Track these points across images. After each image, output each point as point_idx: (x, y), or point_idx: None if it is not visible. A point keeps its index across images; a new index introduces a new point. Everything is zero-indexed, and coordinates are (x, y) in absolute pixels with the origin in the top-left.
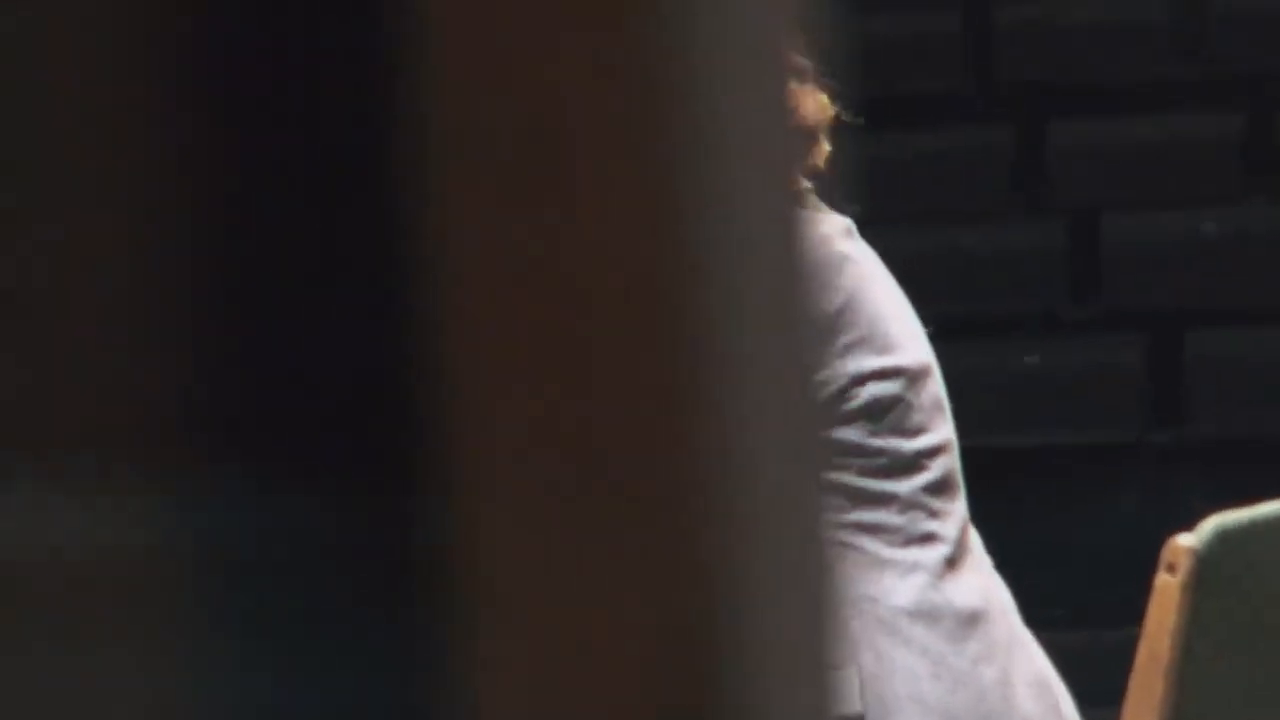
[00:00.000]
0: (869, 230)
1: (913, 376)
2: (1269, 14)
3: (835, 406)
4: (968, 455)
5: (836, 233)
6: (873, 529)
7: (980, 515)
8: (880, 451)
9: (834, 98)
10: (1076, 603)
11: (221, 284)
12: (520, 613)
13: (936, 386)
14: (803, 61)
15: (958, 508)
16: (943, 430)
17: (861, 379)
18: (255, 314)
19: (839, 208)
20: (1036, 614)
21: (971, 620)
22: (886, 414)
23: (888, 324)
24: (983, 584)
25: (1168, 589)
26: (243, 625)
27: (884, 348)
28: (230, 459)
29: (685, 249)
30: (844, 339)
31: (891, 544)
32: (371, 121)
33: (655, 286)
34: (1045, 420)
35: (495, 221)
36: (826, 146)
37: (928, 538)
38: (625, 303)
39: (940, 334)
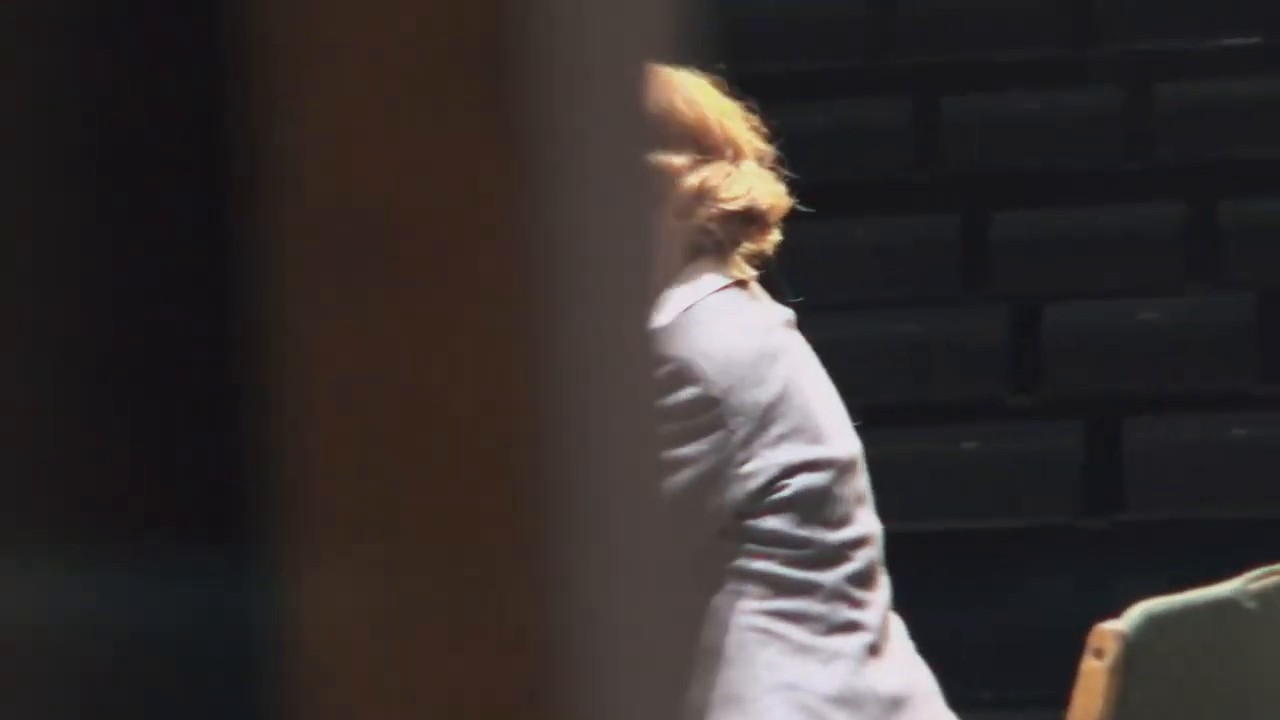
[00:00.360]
0: (814, 317)
1: (841, 468)
2: (1210, 108)
3: (764, 496)
4: (909, 538)
5: (775, 324)
6: (796, 617)
7: (917, 598)
8: (806, 542)
9: (789, 186)
10: (1008, 686)
11: (61, 366)
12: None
13: (862, 478)
14: (762, 147)
15: (880, 596)
16: (866, 522)
17: (792, 470)
18: (91, 398)
19: (781, 296)
20: (968, 696)
21: (894, 705)
22: (814, 505)
23: (819, 416)
24: (905, 669)
25: (1094, 674)
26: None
27: (815, 439)
28: (66, 535)
29: (535, 355)
30: (777, 430)
31: (814, 632)
32: (215, 212)
33: (499, 388)
34: (984, 504)
35: (335, 309)
36: (777, 234)
37: (850, 626)
38: (464, 398)
39: (883, 419)
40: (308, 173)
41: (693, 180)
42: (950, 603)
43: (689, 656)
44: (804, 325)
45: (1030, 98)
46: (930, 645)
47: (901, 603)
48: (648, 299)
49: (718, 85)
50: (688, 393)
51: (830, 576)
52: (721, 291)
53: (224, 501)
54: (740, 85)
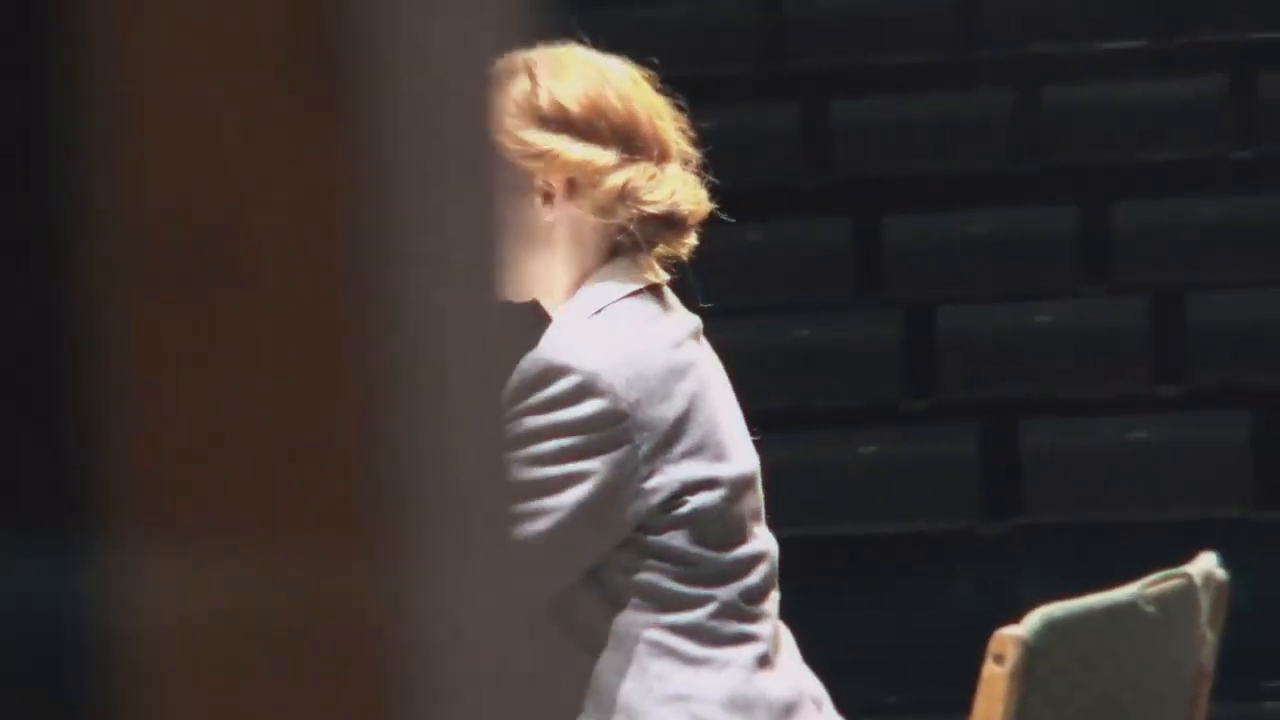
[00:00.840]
0: (708, 322)
1: (738, 486)
2: (1100, 110)
3: (663, 513)
4: (808, 543)
5: (684, 336)
6: (687, 630)
7: (819, 603)
8: (699, 559)
9: (711, 192)
10: (911, 690)
11: None
12: None
13: (758, 494)
14: (687, 149)
15: (771, 608)
16: (762, 537)
17: (691, 487)
18: None
19: (691, 301)
20: (871, 700)
21: (786, 712)
22: (711, 522)
23: (721, 432)
24: (795, 677)
25: (995, 679)
26: None
27: (716, 456)
28: None
29: (368, 353)
30: (680, 447)
31: (706, 644)
32: (44, 214)
33: (332, 386)
34: (882, 509)
35: (169, 309)
36: (693, 239)
37: (742, 638)
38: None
39: (778, 425)
40: (140, 176)
41: (617, 179)
42: (852, 607)
43: (540, 660)
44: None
45: (920, 101)
46: (832, 650)
47: (803, 607)
48: (490, 298)
49: (649, 80)
50: (594, 405)
51: (723, 591)
52: (632, 297)
53: (54, 496)
54: None
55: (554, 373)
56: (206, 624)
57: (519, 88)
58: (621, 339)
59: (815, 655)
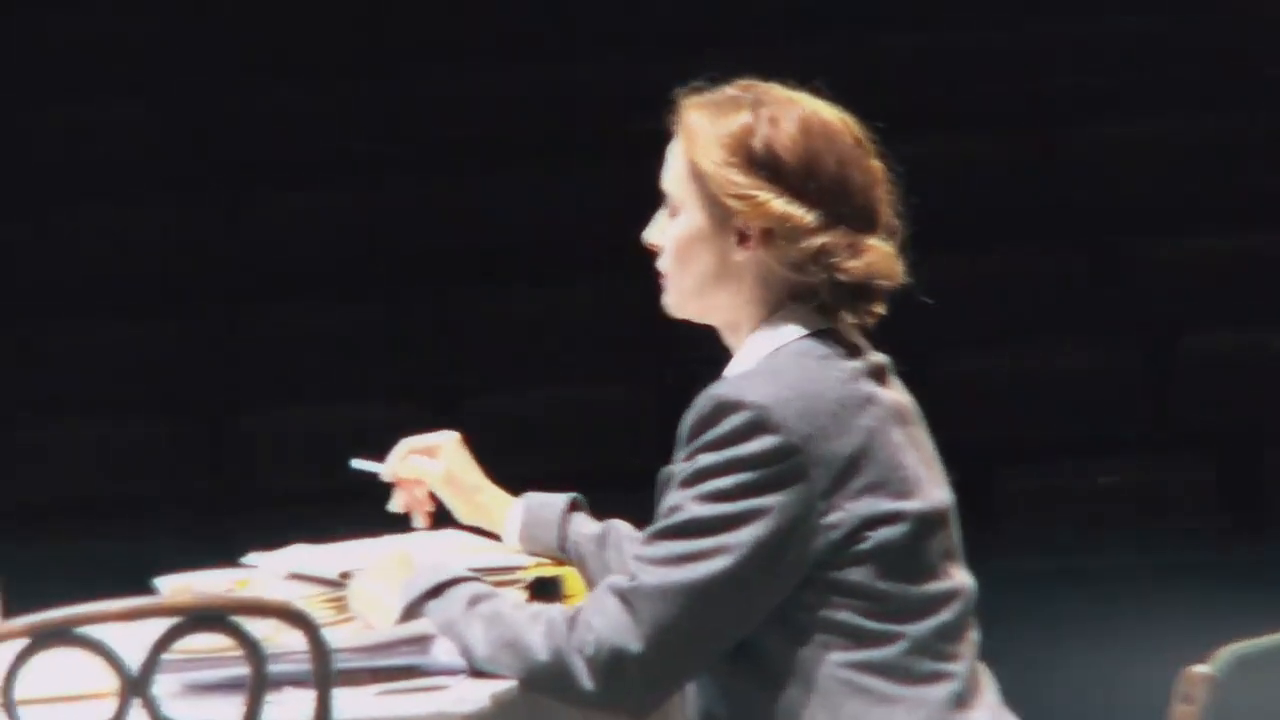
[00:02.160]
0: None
1: (926, 522)
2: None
3: (844, 549)
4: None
5: (861, 372)
6: (879, 668)
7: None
8: (886, 595)
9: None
10: None
11: None
12: None
13: (951, 532)
14: (894, 223)
15: (967, 648)
16: (956, 575)
17: (872, 523)
18: None
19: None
20: None
21: None
22: (897, 558)
23: (905, 468)
24: (993, 718)
25: (1185, 719)
26: None
27: (899, 492)
28: None
29: None
30: (858, 482)
31: (897, 682)
32: None
33: None
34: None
35: None
36: (881, 309)
37: (935, 676)
38: None
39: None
40: None
41: (814, 241)
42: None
43: None
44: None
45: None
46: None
47: (1062, 638)
48: None
49: (872, 143)
50: (766, 440)
51: (915, 628)
52: (810, 338)
53: None
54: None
55: (726, 409)
56: None
57: (738, 121)
58: (793, 376)
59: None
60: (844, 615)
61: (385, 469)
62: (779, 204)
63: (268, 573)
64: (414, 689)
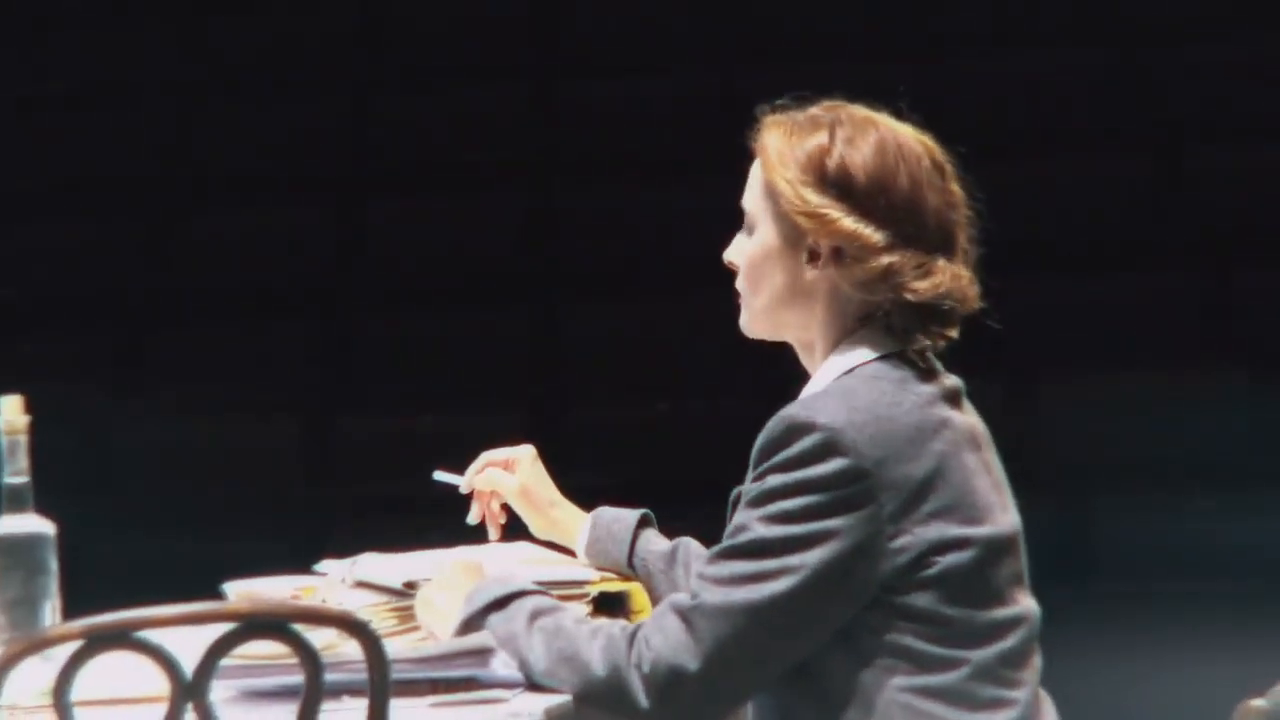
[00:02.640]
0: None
1: (994, 548)
2: None
3: (912, 573)
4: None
5: (935, 397)
6: (941, 693)
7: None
8: (951, 620)
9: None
10: None
11: None
12: None
13: (1019, 558)
14: (969, 248)
15: (1030, 675)
16: (1023, 602)
17: (941, 548)
18: None
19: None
20: None
21: None
22: (963, 584)
23: (976, 494)
24: None
25: None
26: None
27: (969, 518)
28: None
29: None
30: (928, 507)
31: (959, 708)
32: None
33: None
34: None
35: None
36: (954, 333)
37: (998, 703)
38: None
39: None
40: None
41: (882, 260)
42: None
43: None
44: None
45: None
46: None
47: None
48: None
49: (952, 166)
50: (837, 463)
51: (979, 654)
52: (884, 360)
53: None
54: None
55: (798, 431)
56: None
57: (814, 141)
58: (867, 398)
59: None
60: (908, 639)
61: (464, 481)
62: (848, 222)
63: (335, 580)
64: (469, 700)
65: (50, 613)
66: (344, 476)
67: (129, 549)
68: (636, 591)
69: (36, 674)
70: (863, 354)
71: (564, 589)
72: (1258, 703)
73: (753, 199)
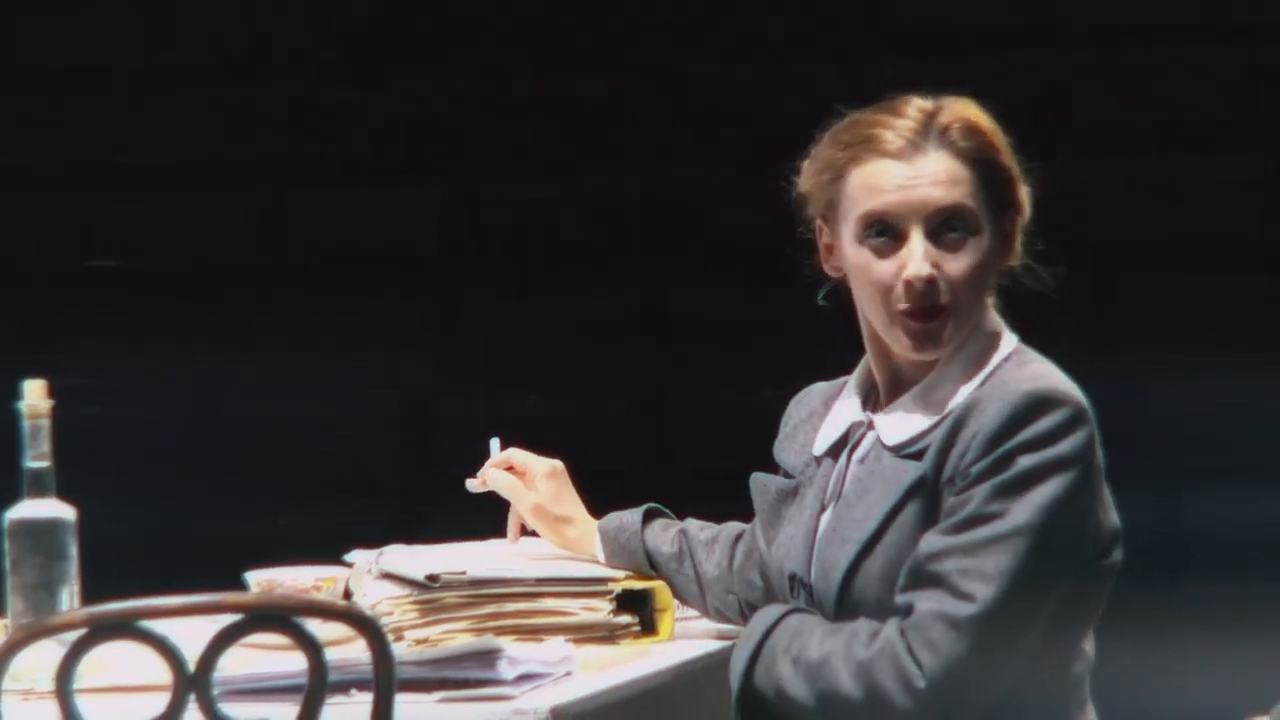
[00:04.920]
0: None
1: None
2: None
3: (1098, 560)
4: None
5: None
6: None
7: None
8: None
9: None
10: None
11: None
12: None
13: None
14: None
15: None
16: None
17: (1117, 535)
18: None
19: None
20: None
21: None
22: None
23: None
24: None
25: None
26: None
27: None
28: None
29: None
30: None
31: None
32: None
33: None
34: None
35: None
36: None
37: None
38: None
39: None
40: None
41: (1008, 231)
42: None
43: None
44: None
45: None
46: None
47: None
48: None
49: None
50: (1086, 434)
51: (1081, 667)
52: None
53: None
54: None
55: (1046, 404)
56: None
57: (988, 117)
58: (1057, 371)
59: None
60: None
61: (477, 478)
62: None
63: (362, 570)
64: (476, 697)
65: (69, 598)
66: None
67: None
68: (660, 589)
69: (54, 659)
70: (1011, 338)
71: (588, 586)
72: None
73: (967, 194)
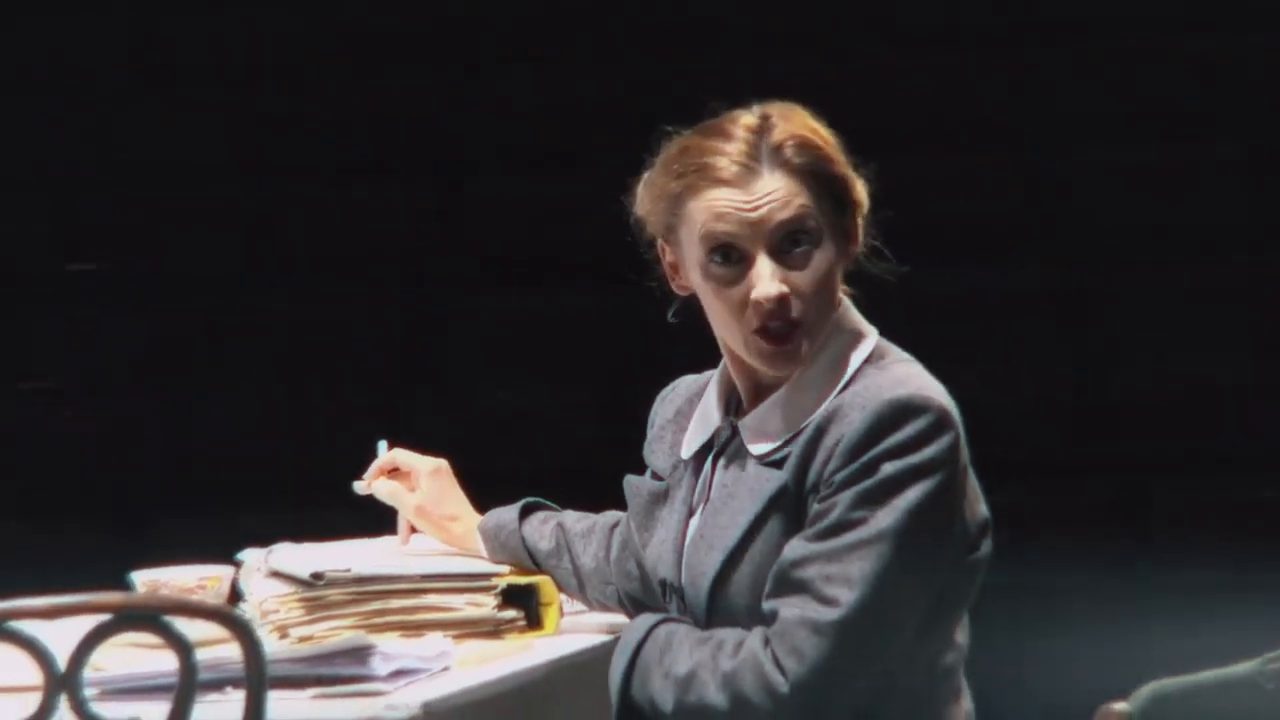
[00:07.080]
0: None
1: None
2: None
3: (965, 555)
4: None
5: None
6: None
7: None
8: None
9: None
10: None
11: None
12: None
13: None
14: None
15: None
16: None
17: (985, 528)
18: None
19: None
20: None
21: None
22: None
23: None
24: None
25: None
26: None
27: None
28: None
29: None
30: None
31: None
32: None
33: None
34: None
35: None
36: None
37: (959, 693)
38: None
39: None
40: None
41: (849, 229)
42: None
43: None
44: None
45: None
46: None
47: None
48: None
49: None
50: (950, 438)
51: (953, 657)
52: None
53: None
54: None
55: (911, 411)
56: None
57: (819, 124)
58: (924, 375)
59: None
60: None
61: (364, 481)
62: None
63: (253, 568)
64: (349, 694)
65: None
66: None
67: None
68: (544, 584)
69: None
70: (870, 335)
71: (473, 582)
72: (1120, 706)
73: (806, 207)
